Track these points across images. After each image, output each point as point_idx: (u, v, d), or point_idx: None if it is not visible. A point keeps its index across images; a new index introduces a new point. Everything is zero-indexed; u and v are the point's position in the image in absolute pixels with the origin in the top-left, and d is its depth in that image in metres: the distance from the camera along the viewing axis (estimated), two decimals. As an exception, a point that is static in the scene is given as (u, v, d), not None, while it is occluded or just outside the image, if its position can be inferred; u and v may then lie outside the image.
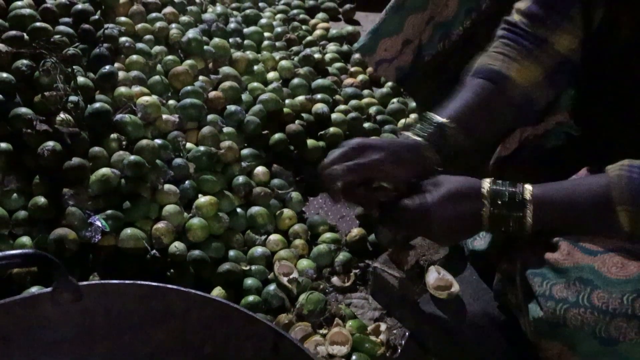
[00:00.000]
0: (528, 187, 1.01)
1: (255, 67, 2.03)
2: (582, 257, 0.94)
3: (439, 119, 1.12)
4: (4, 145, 1.48)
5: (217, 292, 1.46)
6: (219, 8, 2.26)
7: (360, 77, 2.23)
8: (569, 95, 1.28)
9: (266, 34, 2.29)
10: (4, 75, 1.56)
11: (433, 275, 1.31)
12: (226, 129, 1.78)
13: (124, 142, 1.60)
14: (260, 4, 2.58)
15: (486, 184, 1.02)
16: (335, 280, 1.58)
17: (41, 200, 1.46)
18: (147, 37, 1.93)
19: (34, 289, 1.36)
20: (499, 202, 1.00)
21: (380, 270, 1.37)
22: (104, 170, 1.52)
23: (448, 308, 1.26)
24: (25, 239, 1.43)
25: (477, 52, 1.23)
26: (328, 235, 1.67)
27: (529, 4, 1.18)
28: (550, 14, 1.16)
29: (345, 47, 2.40)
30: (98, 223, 1.45)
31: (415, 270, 1.34)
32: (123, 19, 1.93)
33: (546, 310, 0.92)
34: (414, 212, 1.02)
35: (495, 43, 1.21)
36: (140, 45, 1.87)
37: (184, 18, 2.06)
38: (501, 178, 1.04)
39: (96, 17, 1.83)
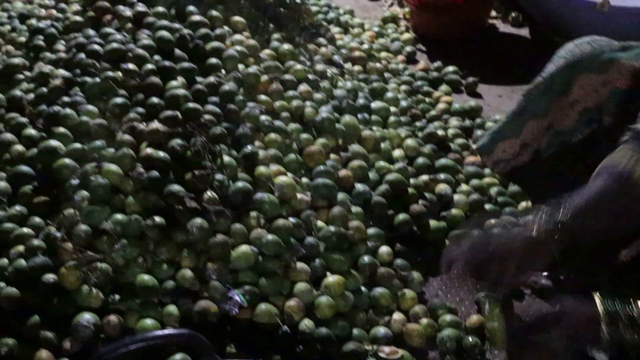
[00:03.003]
0: None
1: (382, 145, 2.12)
2: None
3: (558, 216, 1.17)
4: (158, 219, 1.64)
5: (342, 370, 1.54)
6: (348, 84, 2.37)
7: (482, 155, 2.28)
8: None
9: (392, 109, 2.37)
10: (161, 154, 1.72)
11: (555, 379, 1.34)
12: (354, 209, 1.87)
13: (262, 220, 1.72)
14: (386, 74, 2.68)
15: (599, 305, 1.06)
16: None
17: (188, 273, 1.60)
18: (284, 114, 2.06)
19: (178, 357, 1.49)
20: (618, 325, 1.05)
21: (502, 367, 1.41)
22: (244, 248, 1.65)
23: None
24: (172, 308, 1.57)
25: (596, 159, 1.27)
26: (448, 318, 1.72)
27: None
28: None
29: (467, 123, 2.46)
30: (237, 298, 1.58)
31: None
32: (263, 97, 2.07)
33: None
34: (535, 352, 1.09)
35: (619, 148, 1.24)
36: (277, 123, 2.00)
37: (317, 96, 2.18)
38: (631, 275, 1.08)
39: (240, 97, 1.98)
